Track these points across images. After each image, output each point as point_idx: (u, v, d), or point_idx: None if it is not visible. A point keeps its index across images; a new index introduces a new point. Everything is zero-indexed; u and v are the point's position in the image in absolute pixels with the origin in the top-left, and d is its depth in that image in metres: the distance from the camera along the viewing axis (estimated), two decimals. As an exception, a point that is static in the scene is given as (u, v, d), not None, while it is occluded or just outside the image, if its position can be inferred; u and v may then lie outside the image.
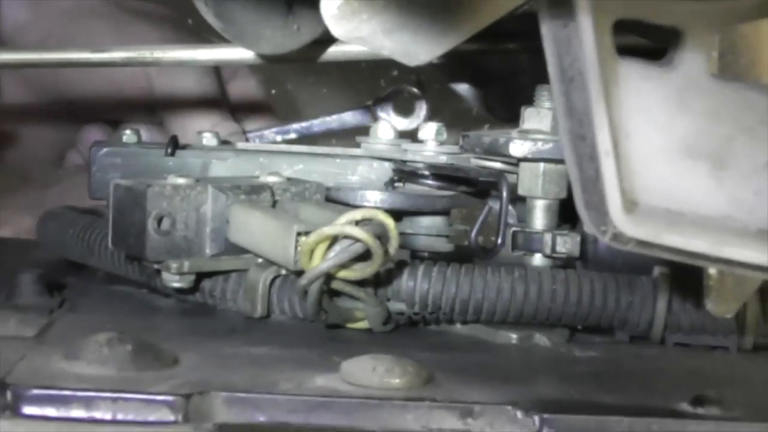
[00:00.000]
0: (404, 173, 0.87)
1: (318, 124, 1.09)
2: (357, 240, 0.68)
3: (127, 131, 0.95)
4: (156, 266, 0.75)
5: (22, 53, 0.89)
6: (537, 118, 0.77)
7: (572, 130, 0.52)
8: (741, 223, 0.53)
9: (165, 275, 0.74)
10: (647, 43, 0.61)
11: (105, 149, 0.92)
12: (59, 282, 0.84)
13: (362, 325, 0.74)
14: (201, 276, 0.76)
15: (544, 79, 0.77)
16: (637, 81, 0.53)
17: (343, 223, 0.68)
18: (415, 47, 0.67)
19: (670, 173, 0.53)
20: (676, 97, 0.53)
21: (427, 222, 0.86)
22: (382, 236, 0.68)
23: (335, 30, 0.65)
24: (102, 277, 0.87)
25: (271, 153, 0.90)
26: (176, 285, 0.75)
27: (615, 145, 0.52)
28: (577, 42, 0.51)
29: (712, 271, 0.64)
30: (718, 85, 0.53)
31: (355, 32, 0.64)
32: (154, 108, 1.19)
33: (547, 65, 0.54)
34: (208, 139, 0.93)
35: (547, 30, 0.51)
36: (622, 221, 0.52)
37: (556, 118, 0.77)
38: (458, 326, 0.76)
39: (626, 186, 0.52)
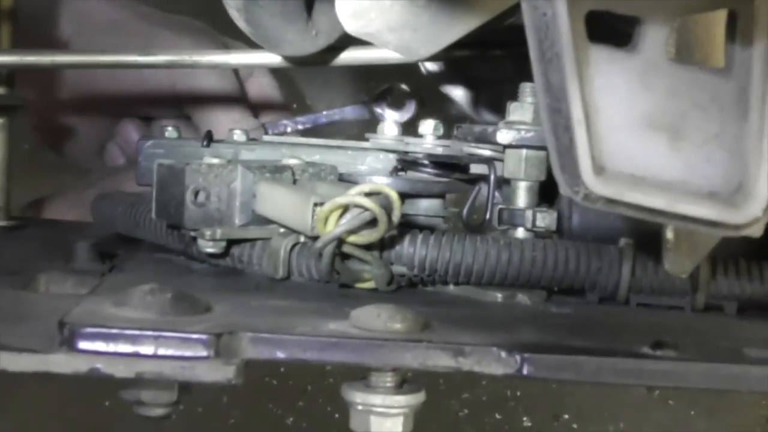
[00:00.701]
0: (406, 162, 0.88)
1: (323, 116, 1.10)
2: (365, 209, 0.68)
3: (169, 128, 0.95)
4: (192, 234, 0.75)
5: (82, 55, 0.89)
6: (520, 111, 0.78)
7: (550, 104, 0.52)
8: (695, 186, 0.53)
9: (200, 242, 0.75)
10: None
11: (150, 141, 0.93)
12: (110, 251, 0.85)
13: (369, 285, 0.74)
14: (231, 243, 0.76)
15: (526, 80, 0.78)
16: (605, 63, 0.53)
17: (354, 194, 0.68)
18: (416, 43, 0.68)
19: (633, 143, 0.53)
20: (638, 78, 0.53)
21: (425, 204, 0.86)
22: (387, 206, 0.69)
23: (348, 26, 0.66)
24: (146, 247, 0.87)
25: (292, 145, 0.90)
26: (210, 250, 0.75)
27: (586, 118, 0.52)
28: (555, 29, 0.51)
29: (670, 235, 0.65)
30: (674, 68, 0.54)
31: (364, 29, 0.65)
32: (181, 106, 1.19)
33: (528, 56, 0.55)
34: (238, 135, 0.94)
35: (528, 18, 0.51)
36: (592, 182, 0.52)
37: (537, 111, 0.78)
38: (451, 287, 0.76)
39: (595, 153, 0.52)
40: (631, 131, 0.53)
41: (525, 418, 1.88)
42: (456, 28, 0.68)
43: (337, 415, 1.86)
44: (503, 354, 0.59)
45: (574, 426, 1.88)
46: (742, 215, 0.52)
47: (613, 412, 1.88)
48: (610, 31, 0.54)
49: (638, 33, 0.54)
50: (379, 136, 0.89)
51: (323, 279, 0.74)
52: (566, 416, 1.89)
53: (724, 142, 0.54)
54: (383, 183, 0.83)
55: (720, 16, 0.54)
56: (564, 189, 0.53)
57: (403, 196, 0.82)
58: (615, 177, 0.53)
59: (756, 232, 0.54)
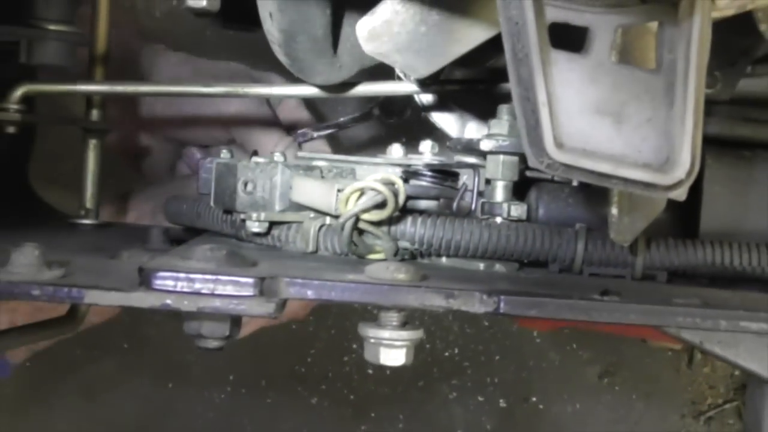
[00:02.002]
0: (410, 173, 0.88)
1: (338, 123, 1.10)
2: (378, 191, 0.69)
3: (224, 150, 0.96)
4: (242, 216, 0.76)
5: (157, 85, 0.91)
6: (499, 125, 0.79)
7: (520, 93, 0.53)
8: (633, 158, 0.54)
9: (248, 222, 0.75)
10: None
11: (209, 159, 0.94)
12: (178, 238, 0.86)
13: (379, 256, 0.74)
14: (271, 225, 0.77)
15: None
16: (563, 63, 0.54)
17: (369, 180, 0.70)
18: (417, 63, 0.69)
19: (584, 125, 0.54)
20: (588, 75, 0.55)
21: (424, 204, 0.87)
22: (394, 191, 0.70)
23: (365, 46, 0.67)
24: (206, 234, 0.88)
25: (321, 159, 0.92)
26: (255, 230, 0.76)
27: (549, 104, 0.53)
28: (525, 34, 0.52)
29: (614, 210, 0.66)
30: (617, 67, 0.55)
31: (378, 49, 0.66)
32: (229, 131, 1.20)
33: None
34: (278, 157, 0.95)
35: (504, 27, 0.53)
36: (554, 153, 0.53)
37: (511, 126, 0.79)
38: (443, 259, 0.76)
39: (556, 132, 0.54)
40: (583, 116, 0.55)
41: (501, 400, 1.87)
42: (448, 53, 0.69)
43: (352, 397, 1.85)
44: (485, 297, 0.60)
45: (540, 407, 1.87)
46: (670, 178, 0.53)
47: (571, 395, 1.87)
48: (568, 38, 0.55)
49: (589, 40, 0.55)
50: (388, 155, 0.90)
51: (344, 251, 0.75)
52: (534, 398, 1.88)
53: (656, 124, 0.55)
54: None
55: (652, 28, 0.55)
56: (532, 161, 0.54)
57: (408, 198, 0.83)
58: (571, 150, 0.54)
59: (680, 195, 0.55)
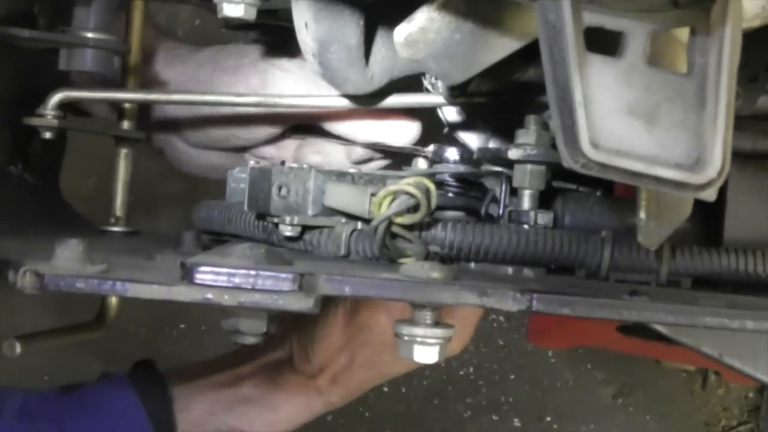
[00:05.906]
0: (435, 183, 0.90)
1: None
2: (411, 195, 0.71)
3: (252, 161, 0.98)
4: (275, 221, 0.78)
5: (189, 95, 0.93)
6: (526, 135, 0.80)
7: (557, 94, 0.55)
8: (664, 159, 0.56)
9: (281, 226, 0.77)
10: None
11: (238, 168, 0.96)
12: (207, 245, 0.87)
13: (410, 261, 0.76)
14: (304, 230, 0.78)
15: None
16: (598, 66, 0.56)
17: (402, 183, 0.71)
18: (451, 71, 0.71)
19: (618, 126, 0.56)
20: (622, 77, 0.56)
21: (450, 214, 0.88)
22: (427, 195, 0.71)
23: (402, 52, 0.69)
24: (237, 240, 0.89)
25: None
26: (288, 234, 0.77)
27: (584, 105, 0.55)
28: (562, 38, 0.54)
29: (642, 215, 0.67)
30: (650, 70, 0.56)
31: (414, 55, 0.68)
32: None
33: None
34: (309, 166, 0.96)
35: (542, 30, 0.54)
36: (589, 152, 0.54)
37: (538, 135, 0.80)
38: (472, 265, 0.78)
39: (591, 133, 0.55)
40: (616, 117, 0.56)
41: (515, 420, 1.87)
42: (481, 61, 0.71)
43: (367, 414, 1.86)
44: (518, 295, 0.61)
45: (555, 426, 1.87)
46: (701, 177, 0.55)
47: (585, 415, 1.87)
48: (602, 42, 0.57)
49: (622, 44, 0.57)
50: (414, 167, 0.92)
51: (375, 255, 0.76)
52: (548, 418, 1.88)
53: (687, 126, 0.56)
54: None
55: (684, 32, 0.57)
56: (567, 161, 0.56)
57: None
58: (606, 150, 0.55)
59: (710, 195, 0.56)
